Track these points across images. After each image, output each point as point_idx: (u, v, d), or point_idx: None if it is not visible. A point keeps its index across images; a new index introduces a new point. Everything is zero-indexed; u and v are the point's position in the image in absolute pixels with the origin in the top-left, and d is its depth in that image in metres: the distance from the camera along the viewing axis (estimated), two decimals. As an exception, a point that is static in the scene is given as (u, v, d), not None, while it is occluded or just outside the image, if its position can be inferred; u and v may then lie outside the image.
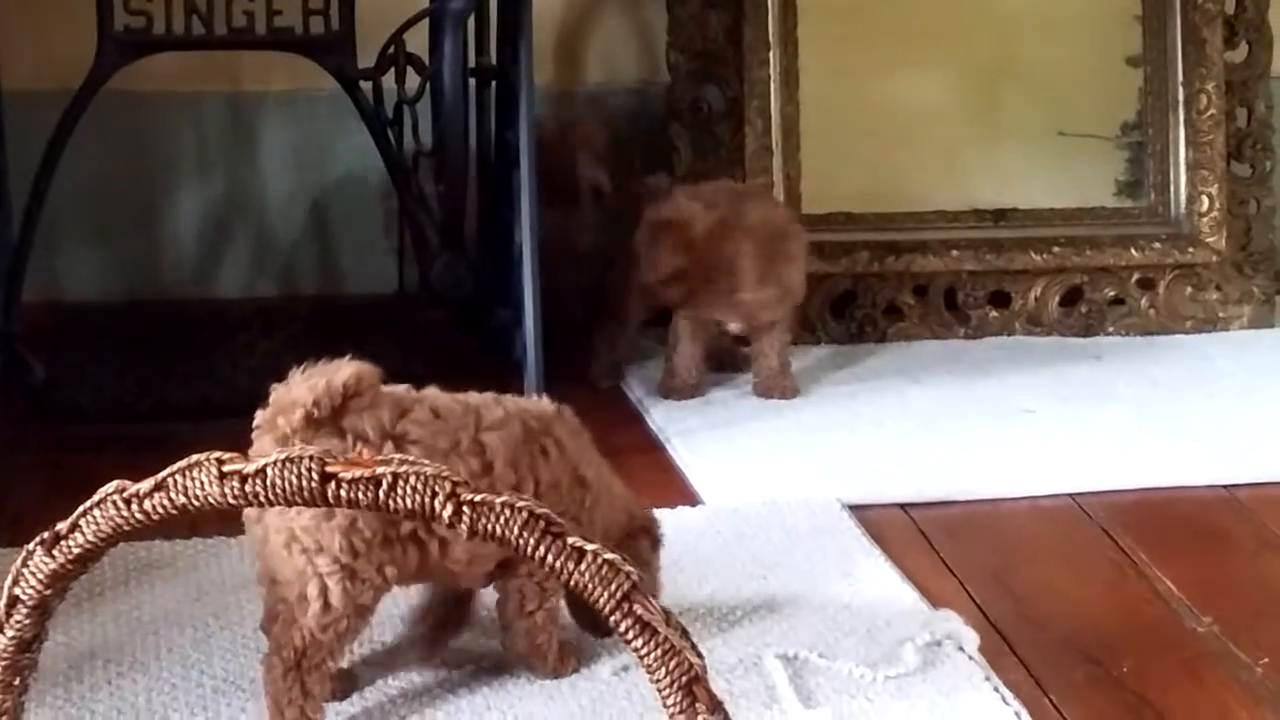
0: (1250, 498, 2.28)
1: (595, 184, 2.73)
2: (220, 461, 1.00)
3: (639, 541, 1.84)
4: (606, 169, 2.76)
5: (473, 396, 1.76)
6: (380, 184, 2.68)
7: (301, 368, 1.67)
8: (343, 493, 1.00)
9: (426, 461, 1.01)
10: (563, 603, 1.80)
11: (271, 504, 1.00)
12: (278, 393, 1.67)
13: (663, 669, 0.99)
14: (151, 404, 2.45)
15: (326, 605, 1.64)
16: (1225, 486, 2.31)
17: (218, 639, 1.85)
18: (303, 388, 1.65)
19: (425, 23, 2.52)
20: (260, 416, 1.67)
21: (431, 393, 1.74)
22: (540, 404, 1.82)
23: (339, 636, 1.65)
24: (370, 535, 1.64)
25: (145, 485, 1.01)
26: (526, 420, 1.75)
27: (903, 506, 2.24)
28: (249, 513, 1.65)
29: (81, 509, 1.02)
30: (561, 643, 1.81)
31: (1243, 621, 1.94)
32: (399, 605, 1.85)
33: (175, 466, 1.01)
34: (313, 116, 2.88)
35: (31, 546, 1.03)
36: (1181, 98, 2.97)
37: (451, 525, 0.99)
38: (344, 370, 1.67)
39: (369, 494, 0.99)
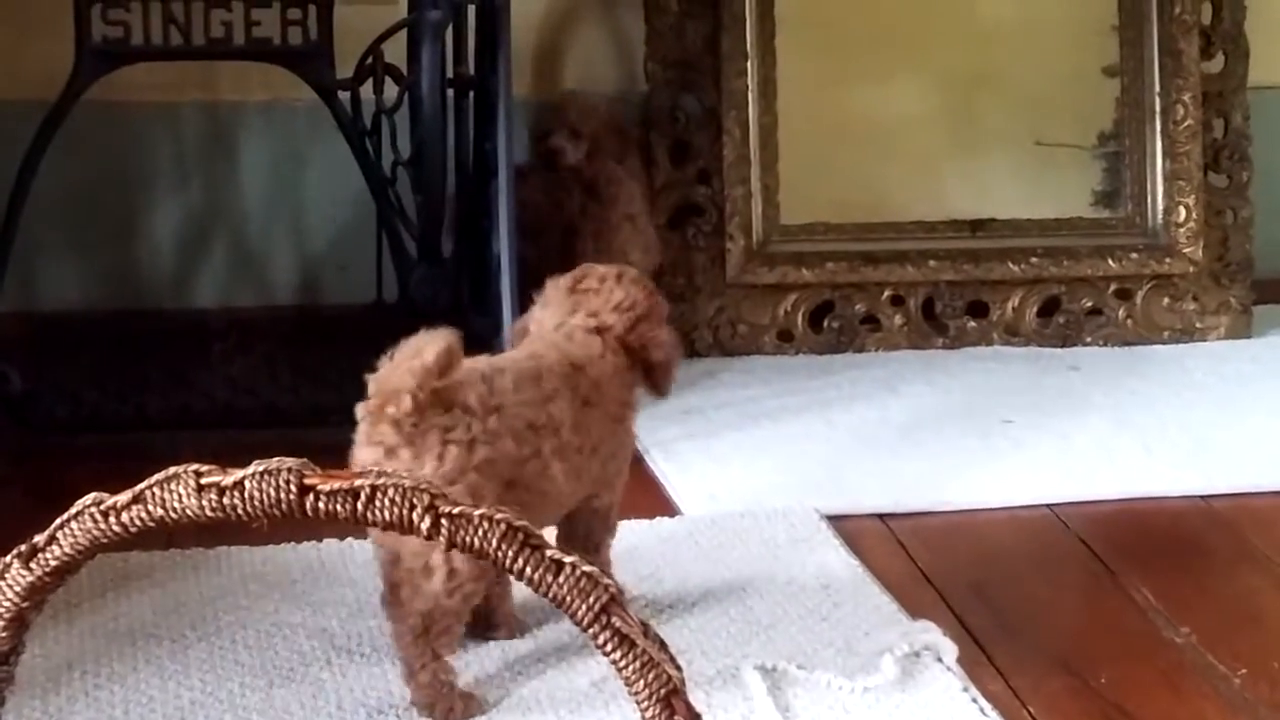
0: (1228, 508, 2.28)
1: (572, 162, 2.73)
2: (198, 474, 1.00)
3: (640, 328, 1.92)
4: (585, 148, 2.76)
5: (522, 361, 1.84)
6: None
7: (389, 352, 1.73)
8: (321, 505, 0.99)
9: (404, 474, 1.01)
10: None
11: (250, 517, 1.00)
12: (377, 380, 1.73)
13: (641, 681, 0.98)
14: (129, 414, 2.45)
15: (452, 571, 1.72)
16: (1203, 497, 2.31)
17: (195, 650, 1.85)
18: (401, 372, 1.72)
19: (403, 33, 2.51)
20: (363, 408, 1.74)
21: (503, 360, 1.85)
22: (574, 331, 1.91)
23: (465, 600, 1.74)
24: (495, 496, 1.72)
25: (123, 498, 1.01)
26: (569, 371, 1.85)
27: (881, 517, 2.25)
28: None
29: (59, 521, 1.02)
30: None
31: (1220, 632, 1.94)
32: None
33: (153, 479, 1.00)
34: (291, 127, 2.88)
35: (8, 559, 1.03)
36: (1158, 108, 2.98)
37: (430, 537, 0.99)
38: (432, 346, 1.72)
39: (347, 506, 0.99)
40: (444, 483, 1.68)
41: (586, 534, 1.91)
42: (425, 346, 1.73)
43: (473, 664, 1.83)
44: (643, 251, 2.73)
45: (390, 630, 1.77)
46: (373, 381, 1.74)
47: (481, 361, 1.82)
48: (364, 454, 1.76)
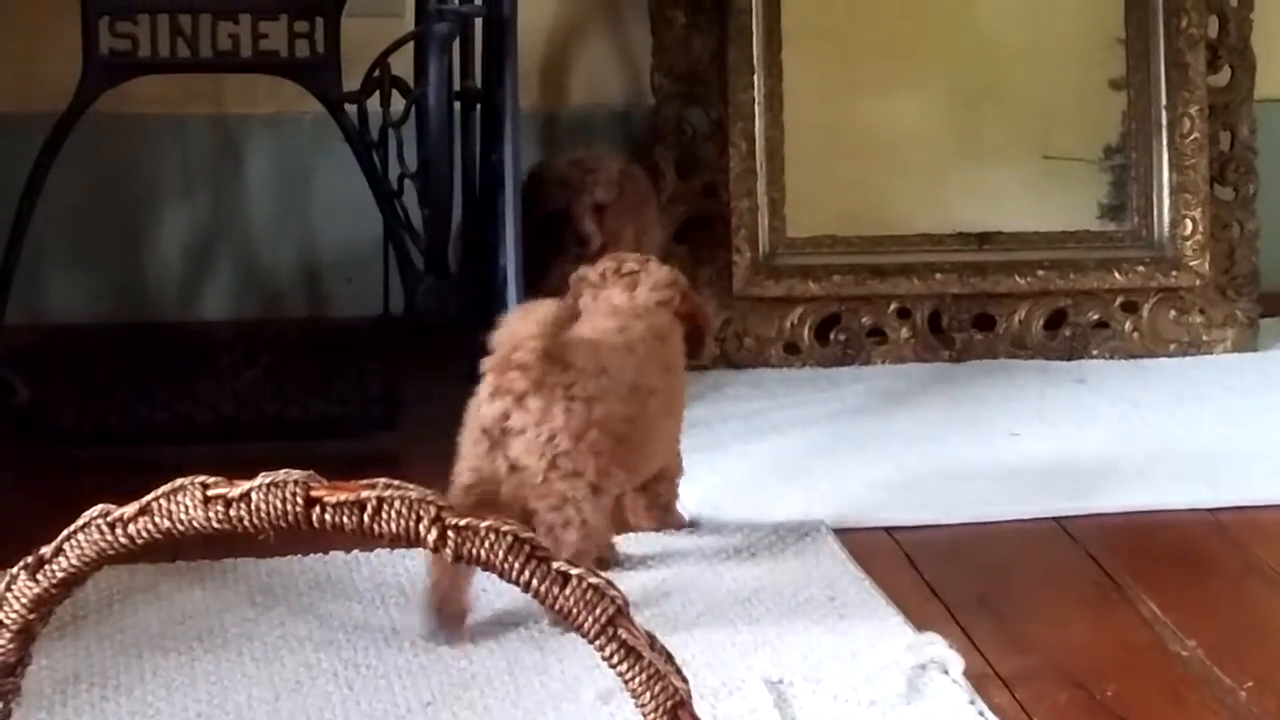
0: (1234, 521, 2.28)
1: (583, 233, 2.70)
2: (205, 485, 1.00)
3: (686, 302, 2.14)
4: (599, 222, 2.73)
5: (616, 334, 2.01)
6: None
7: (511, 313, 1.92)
8: (328, 517, 0.99)
9: (411, 486, 1.01)
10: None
11: (256, 529, 1.00)
12: (503, 332, 1.89)
13: (647, 694, 0.98)
14: (136, 427, 2.45)
15: (584, 523, 1.90)
16: (1210, 510, 2.31)
17: (202, 663, 1.85)
18: (527, 323, 1.89)
19: (410, 46, 2.52)
20: (489, 361, 1.89)
21: (594, 333, 2.01)
22: (649, 298, 2.10)
23: (597, 544, 1.94)
24: (610, 453, 1.92)
25: (129, 509, 1.01)
26: (654, 348, 2.04)
27: (888, 530, 2.24)
28: (477, 449, 1.90)
29: (65, 533, 1.02)
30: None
31: (1227, 645, 1.94)
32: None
33: (159, 490, 1.01)
34: (297, 139, 2.88)
35: (15, 571, 1.03)
36: (1165, 121, 2.98)
37: (436, 549, 0.99)
38: (547, 306, 1.91)
39: (354, 518, 0.99)
40: (571, 439, 1.87)
41: (664, 493, 2.13)
42: (540, 307, 1.91)
43: (478, 675, 1.83)
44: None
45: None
46: (497, 337, 1.89)
47: (579, 333, 1.98)
48: (490, 408, 1.89)
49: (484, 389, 1.90)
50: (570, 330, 1.94)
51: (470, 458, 1.91)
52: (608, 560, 2.04)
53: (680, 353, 2.11)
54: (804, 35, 2.91)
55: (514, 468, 1.89)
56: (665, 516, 2.18)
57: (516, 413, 1.88)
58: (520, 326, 1.88)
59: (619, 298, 2.10)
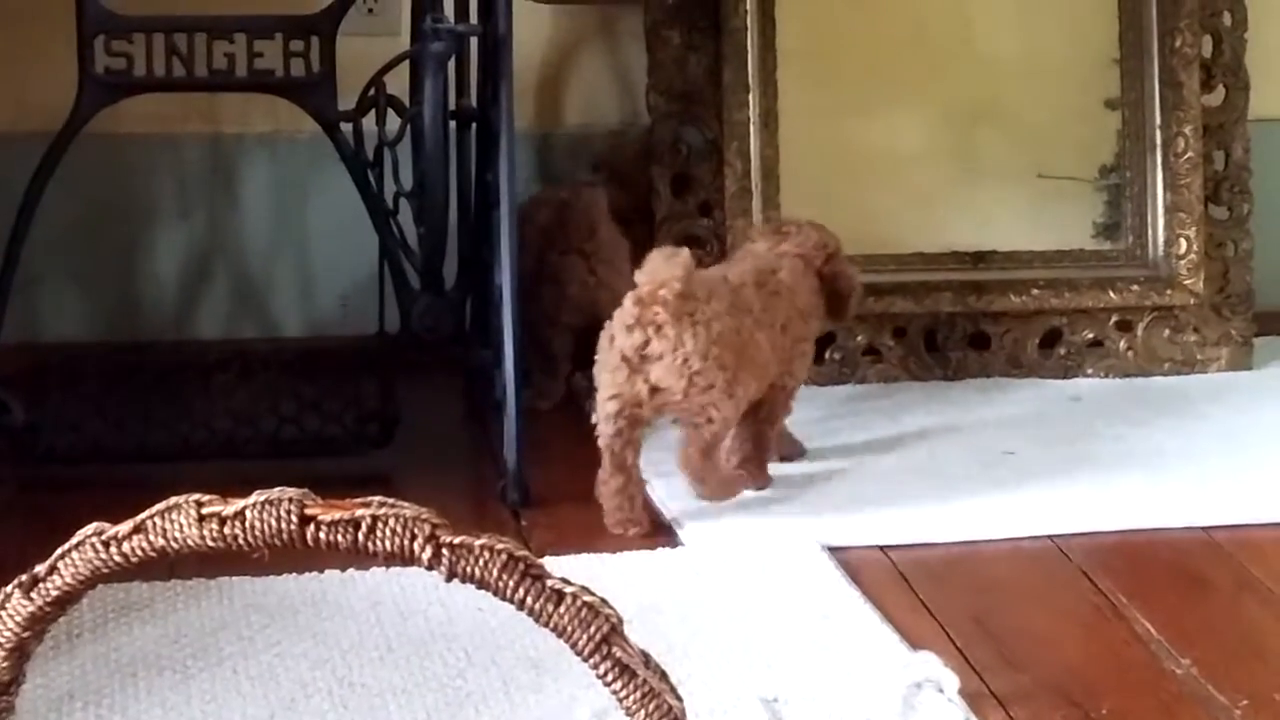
0: (1229, 540, 2.28)
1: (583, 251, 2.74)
2: (199, 504, 1.00)
3: (831, 264, 2.49)
4: (598, 240, 2.76)
5: (747, 273, 2.39)
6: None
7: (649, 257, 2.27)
8: (322, 535, 0.99)
9: (406, 504, 1.01)
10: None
11: (251, 547, 1.00)
12: (645, 273, 2.24)
13: (642, 712, 0.98)
14: (130, 446, 2.45)
15: (725, 419, 2.26)
16: (1204, 528, 2.31)
17: (197, 681, 1.85)
18: (668, 267, 2.23)
19: (406, 65, 2.52)
20: (633, 295, 2.23)
21: (727, 270, 2.40)
22: (761, 247, 2.48)
23: (726, 430, 2.30)
24: (734, 362, 2.25)
25: (124, 528, 1.01)
26: (759, 272, 2.39)
27: (882, 548, 2.24)
28: (618, 376, 2.23)
29: (60, 551, 1.02)
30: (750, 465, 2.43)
31: (1222, 663, 1.94)
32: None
33: (154, 509, 1.01)
34: (293, 158, 2.88)
35: (9, 589, 1.03)
36: (1159, 141, 2.99)
37: (431, 567, 0.99)
38: (683, 251, 2.26)
39: (348, 536, 0.99)
40: (699, 356, 2.22)
41: (770, 409, 2.41)
42: (678, 252, 2.26)
43: (473, 694, 1.83)
44: (580, 286, 2.73)
45: (679, 458, 2.30)
46: (643, 275, 2.24)
47: (713, 269, 2.40)
48: (630, 338, 2.23)
49: (622, 323, 2.23)
50: (694, 268, 2.27)
51: (611, 385, 2.24)
52: (793, 453, 2.51)
53: (809, 303, 2.44)
54: (800, 54, 2.92)
55: (655, 389, 2.23)
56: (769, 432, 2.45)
57: (655, 341, 2.22)
58: (662, 269, 2.22)
59: (761, 247, 2.47)
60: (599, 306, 2.74)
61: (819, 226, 2.50)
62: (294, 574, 2.08)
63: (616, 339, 2.24)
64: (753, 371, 2.31)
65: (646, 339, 2.22)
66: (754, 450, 2.42)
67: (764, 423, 2.42)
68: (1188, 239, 2.97)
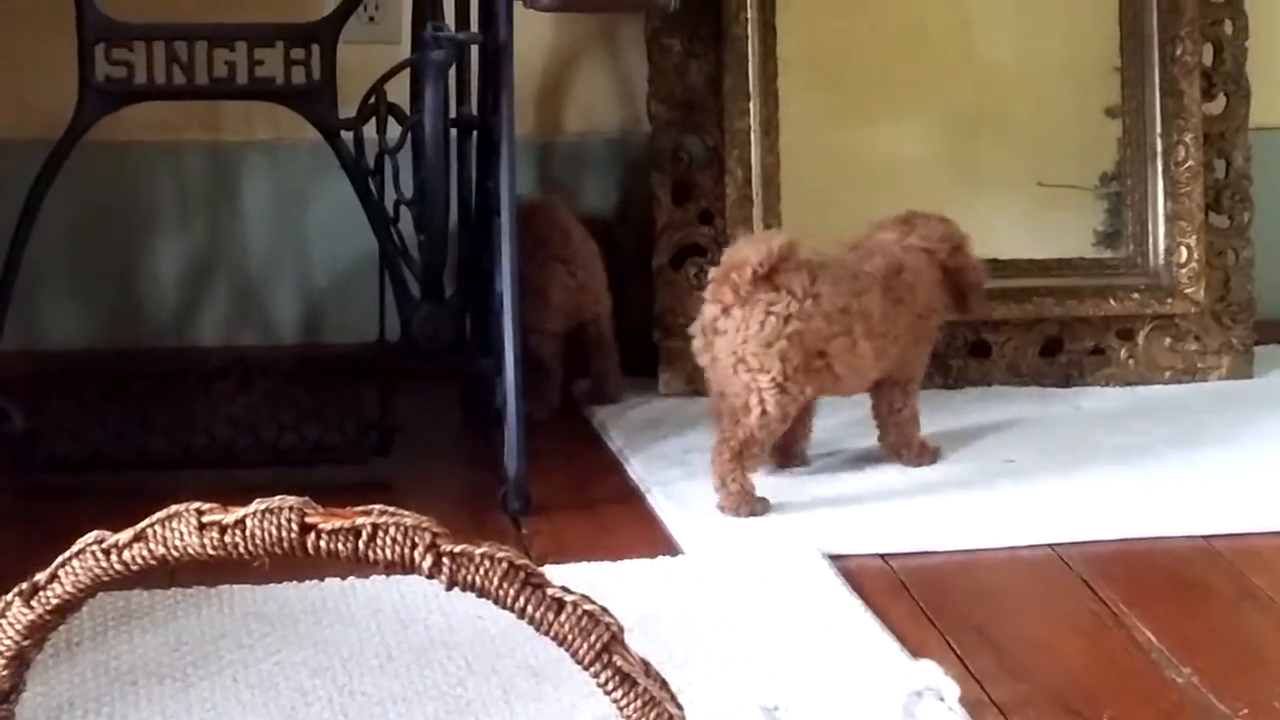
0: (1229, 548, 2.28)
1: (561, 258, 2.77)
2: (200, 512, 1.00)
3: (957, 255, 2.52)
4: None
5: (849, 260, 2.44)
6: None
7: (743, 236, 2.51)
8: (323, 543, 0.99)
9: (406, 512, 1.01)
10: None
11: (252, 555, 1.00)
12: (728, 253, 2.35)
13: (642, 720, 0.98)
14: (130, 453, 2.45)
15: (764, 412, 2.32)
16: (1205, 537, 2.31)
17: (197, 689, 1.85)
18: (749, 249, 2.32)
19: (406, 73, 2.52)
20: (714, 273, 2.34)
21: (832, 259, 2.42)
22: (883, 243, 2.50)
23: (770, 434, 2.35)
24: (797, 363, 2.32)
25: (124, 536, 1.01)
26: (884, 271, 2.44)
27: (883, 556, 2.24)
28: (697, 343, 2.37)
29: (60, 559, 1.02)
30: (922, 440, 2.54)
31: (1222, 672, 1.94)
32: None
33: (154, 517, 1.01)
34: (294, 166, 2.88)
35: (9, 597, 1.03)
36: (1160, 149, 2.99)
37: (431, 576, 0.99)
38: (779, 237, 2.35)
39: (349, 544, 0.99)
40: (761, 345, 2.30)
41: (889, 400, 2.50)
42: (773, 236, 2.37)
43: (473, 703, 1.82)
44: (563, 290, 2.73)
45: (713, 450, 2.35)
46: (726, 253, 2.36)
47: (815, 258, 2.38)
48: (707, 310, 2.36)
49: (708, 293, 2.35)
50: (796, 257, 2.34)
51: (695, 353, 2.38)
52: (793, 453, 2.50)
53: (933, 296, 2.49)
54: (800, 62, 2.92)
55: (714, 360, 2.35)
56: (902, 449, 2.53)
57: (722, 318, 2.33)
58: (743, 251, 2.32)
59: (888, 237, 2.51)
60: (582, 310, 2.76)
61: (945, 220, 2.55)
62: (294, 582, 2.08)
63: (702, 310, 2.38)
64: (827, 379, 2.38)
65: (717, 315, 2.34)
66: (900, 437, 2.53)
67: (888, 415, 2.52)
68: (1188, 247, 2.97)
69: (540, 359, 2.71)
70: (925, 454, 2.53)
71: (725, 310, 2.33)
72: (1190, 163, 2.98)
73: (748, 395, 2.32)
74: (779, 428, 2.36)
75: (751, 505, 2.34)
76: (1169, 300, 2.97)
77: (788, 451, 2.51)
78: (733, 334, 2.32)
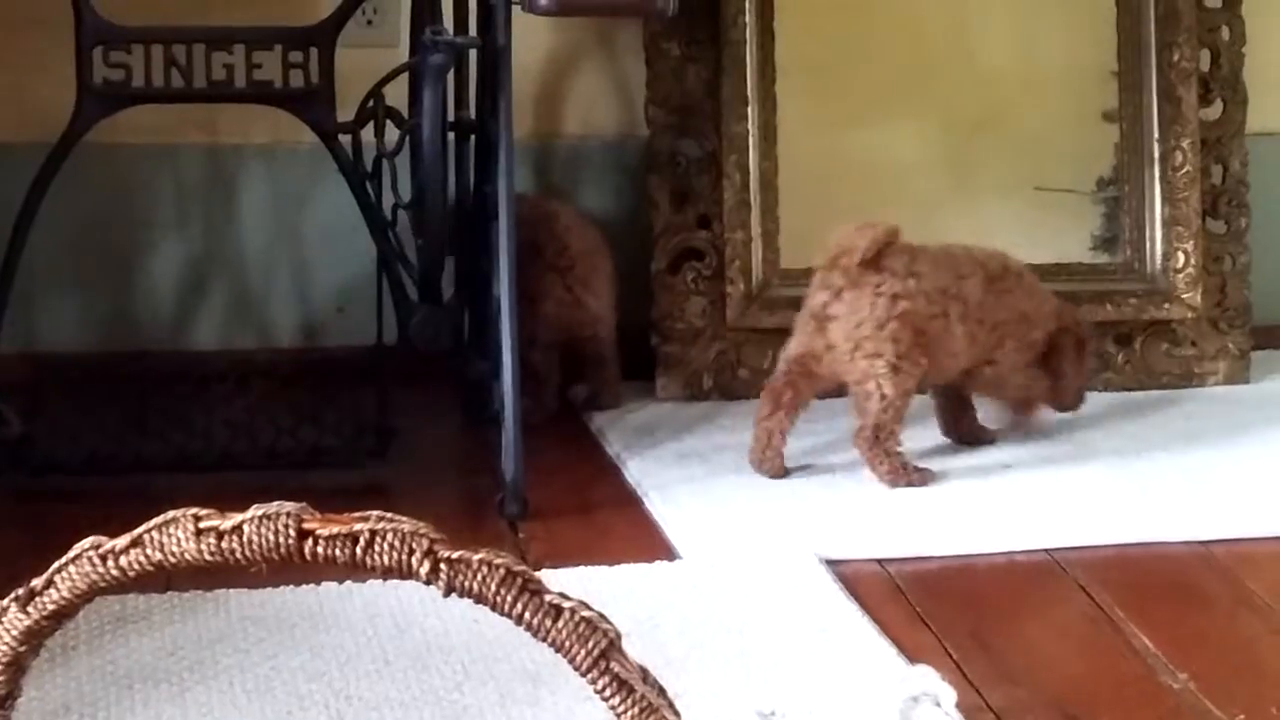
0: (1227, 554, 2.28)
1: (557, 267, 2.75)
2: (197, 517, 1.00)
3: (1061, 338, 2.61)
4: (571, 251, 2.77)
5: (955, 249, 2.55)
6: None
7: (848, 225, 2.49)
8: (320, 549, 0.99)
9: (404, 518, 1.01)
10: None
11: (249, 561, 1.00)
12: (836, 238, 2.44)
13: (640, 727, 0.98)
14: (127, 457, 2.44)
15: (883, 396, 2.43)
16: (1202, 543, 2.31)
17: (193, 694, 1.84)
18: (856, 235, 2.42)
19: (405, 77, 2.52)
20: (821, 258, 2.44)
21: (932, 247, 2.51)
22: (992, 251, 2.60)
23: (897, 411, 2.44)
24: (908, 343, 2.42)
25: (121, 541, 1.01)
26: (988, 267, 2.54)
27: (880, 561, 2.24)
28: (806, 328, 2.46)
29: (57, 565, 1.02)
30: (984, 427, 2.65)
31: (1219, 678, 1.94)
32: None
33: (152, 523, 1.00)
34: (292, 169, 2.88)
35: (6, 603, 1.03)
36: (1157, 154, 2.99)
37: (429, 582, 0.99)
38: (882, 224, 2.44)
39: (346, 550, 0.99)
40: (874, 326, 2.41)
41: (968, 393, 2.59)
42: (878, 223, 2.44)
43: (470, 707, 1.82)
44: (556, 303, 2.73)
45: (855, 436, 2.47)
46: (833, 239, 2.44)
47: (914, 245, 2.48)
48: (816, 297, 2.45)
49: (815, 281, 2.45)
50: (899, 242, 2.45)
51: (800, 335, 2.47)
52: (982, 436, 2.63)
53: (1039, 313, 2.59)
54: (798, 67, 2.92)
55: (829, 346, 2.43)
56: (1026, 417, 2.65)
57: (834, 304, 2.42)
58: (850, 237, 2.42)
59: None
60: (578, 326, 2.74)
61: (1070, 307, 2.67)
62: (291, 586, 2.08)
63: (809, 298, 2.46)
64: (936, 359, 2.47)
65: (827, 300, 2.43)
66: (1016, 412, 2.63)
67: (959, 408, 2.62)
68: (1185, 253, 2.98)
69: (534, 369, 2.69)
70: (1070, 398, 2.64)
71: (836, 295, 2.43)
72: (1187, 168, 2.98)
73: (866, 382, 2.42)
74: (904, 403, 2.45)
75: (909, 476, 2.45)
76: (1166, 305, 2.98)
77: (959, 431, 2.64)
78: (846, 318, 2.42)
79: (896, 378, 2.42)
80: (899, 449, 2.46)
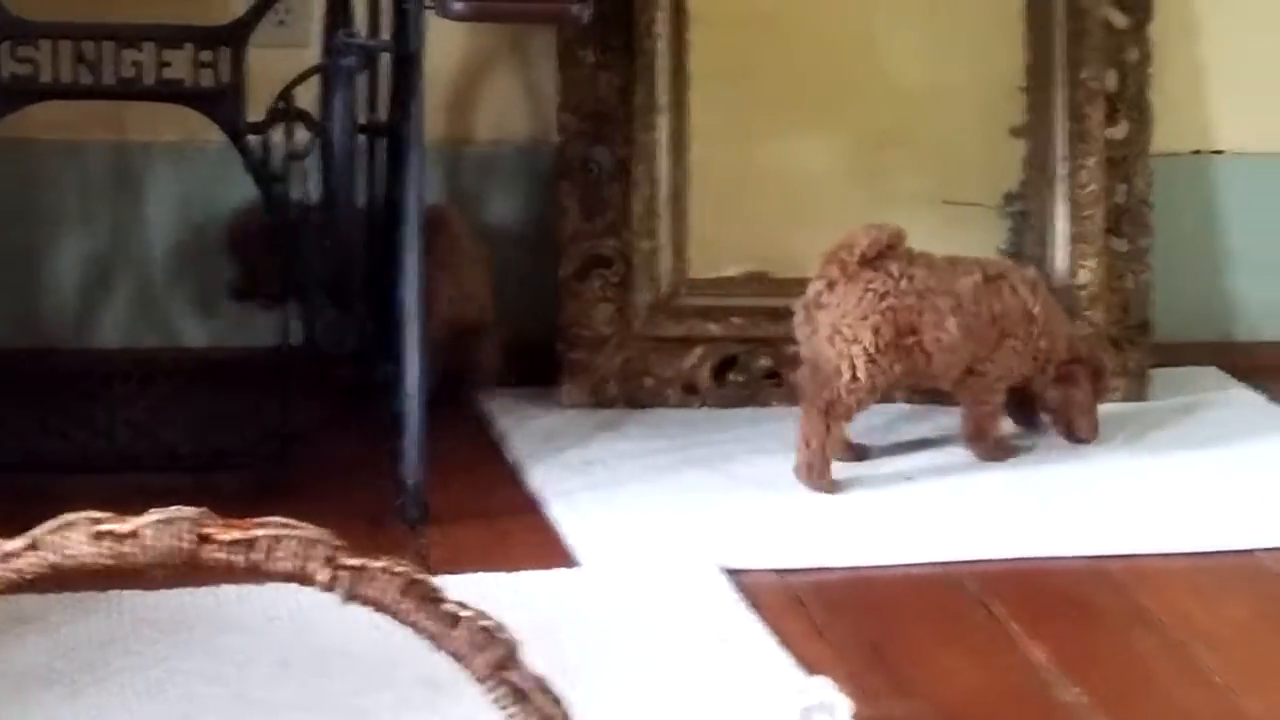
0: (1121, 569, 2.30)
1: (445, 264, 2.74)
2: (94, 520, 1.00)
3: (1076, 369, 2.67)
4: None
5: (956, 257, 2.63)
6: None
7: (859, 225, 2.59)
8: (219, 555, 0.99)
9: (304, 525, 1.01)
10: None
11: (147, 565, 0.99)
12: (842, 236, 2.54)
13: (536, 737, 0.99)
14: (27, 455, 2.42)
15: (854, 378, 2.49)
16: (1097, 558, 2.33)
17: (86, 696, 1.83)
18: (860, 234, 2.53)
19: (316, 78, 2.52)
20: (824, 254, 2.53)
21: (928, 254, 2.59)
22: (1001, 260, 2.77)
23: (857, 402, 2.50)
24: (889, 339, 2.50)
25: (17, 544, 1.00)
26: (987, 269, 2.63)
27: (779, 572, 2.25)
28: (798, 318, 2.55)
29: (-49, 566, 1.01)
30: (999, 438, 2.67)
31: (1112, 692, 1.96)
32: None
33: (48, 525, 1.00)
34: (200, 168, 2.86)
35: (-101, 603, 1.02)
36: (1063, 172, 3.01)
37: (329, 589, 0.99)
38: (888, 228, 2.55)
39: (245, 556, 0.99)
40: (858, 318, 2.49)
41: (975, 391, 2.63)
42: (885, 225, 2.55)
43: (368, 712, 1.82)
44: (447, 301, 2.74)
45: (800, 413, 2.53)
46: (837, 240, 2.53)
47: (918, 251, 2.58)
48: (811, 287, 2.54)
49: (814, 272, 2.54)
50: (902, 245, 2.55)
51: (796, 326, 2.56)
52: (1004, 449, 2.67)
53: (1050, 324, 2.65)
54: (711, 77, 2.93)
55: (813, 331, 2.52)
56: (980, 445, 2.66)
57: (826, 293, 2.52)
58: (855, 234, 2.53)
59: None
60: (466, 321, 2.75)
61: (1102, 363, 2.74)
62: (189, 588, 2.06)
63: (808, 287, 2.55)
64: (919, 359, 2.54)
65: (821, 290, 2.52)
66: (977, 429, 2.65)
67: (972, 404, 2.65)
68: (1089, 270, 3.00)
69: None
70: (1000, 449, 2.65)
71: (830, 286, 2.51)
72: (1092, 186, 3.01)
73: (839, 361, 2.48)
74: (865, 398, 2.51)
75: (826, 479, 2.50)
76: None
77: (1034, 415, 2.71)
78: (833, 308, 2.51)
79: (870, 367, 2.48)
80: (842, 435, 2.54)
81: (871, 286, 2.51)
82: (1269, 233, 3.19)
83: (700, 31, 2.92)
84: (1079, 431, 2.70)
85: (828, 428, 2.49)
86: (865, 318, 2.49)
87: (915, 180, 3.00)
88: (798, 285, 2.92)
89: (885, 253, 2.53)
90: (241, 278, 2.77)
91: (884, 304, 2.50)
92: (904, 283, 2.52)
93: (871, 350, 2.49)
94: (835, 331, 2.50)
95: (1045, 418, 2.72)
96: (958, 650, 2.08)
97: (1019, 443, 2.70)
